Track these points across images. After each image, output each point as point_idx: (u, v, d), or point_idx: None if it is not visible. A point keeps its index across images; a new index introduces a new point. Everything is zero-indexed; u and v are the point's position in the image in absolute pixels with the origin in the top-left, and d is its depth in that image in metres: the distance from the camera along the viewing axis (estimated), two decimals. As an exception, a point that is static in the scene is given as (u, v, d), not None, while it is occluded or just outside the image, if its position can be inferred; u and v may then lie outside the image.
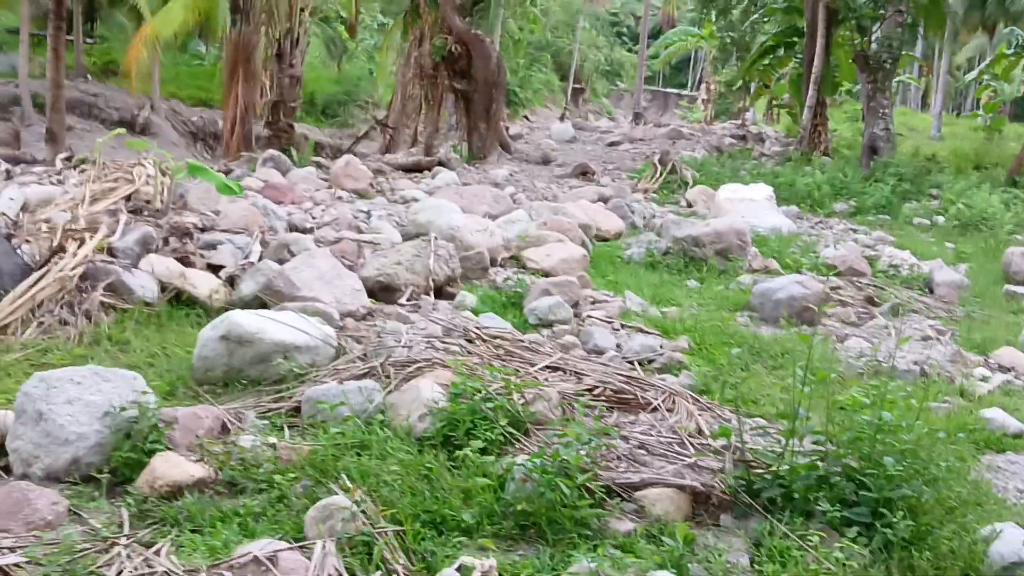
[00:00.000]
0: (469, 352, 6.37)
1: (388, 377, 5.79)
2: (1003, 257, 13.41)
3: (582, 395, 5.73)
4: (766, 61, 28.12)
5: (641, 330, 8.17)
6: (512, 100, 49.26)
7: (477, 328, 7.05)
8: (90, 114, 24.42)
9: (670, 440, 5.25)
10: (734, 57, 31.99)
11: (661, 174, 20.41)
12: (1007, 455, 6.30)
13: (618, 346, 7.56)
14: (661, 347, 7.67)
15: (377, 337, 6.84)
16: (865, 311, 10.20)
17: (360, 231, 10.74)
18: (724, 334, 8.12)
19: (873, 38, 22.07)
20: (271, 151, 15.23)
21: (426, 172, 17.91)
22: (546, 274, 10.14)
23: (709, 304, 9.93)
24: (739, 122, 33.00)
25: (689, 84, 72.09)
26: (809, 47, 24.89)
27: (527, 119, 39.16)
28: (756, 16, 28.66)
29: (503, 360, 6.18)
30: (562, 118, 47.00)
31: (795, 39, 26.98)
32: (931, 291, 11.85)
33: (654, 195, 19.12)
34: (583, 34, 59.07)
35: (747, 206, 15.97)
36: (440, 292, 8.72)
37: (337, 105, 37.32)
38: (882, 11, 21.30)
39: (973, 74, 43.48)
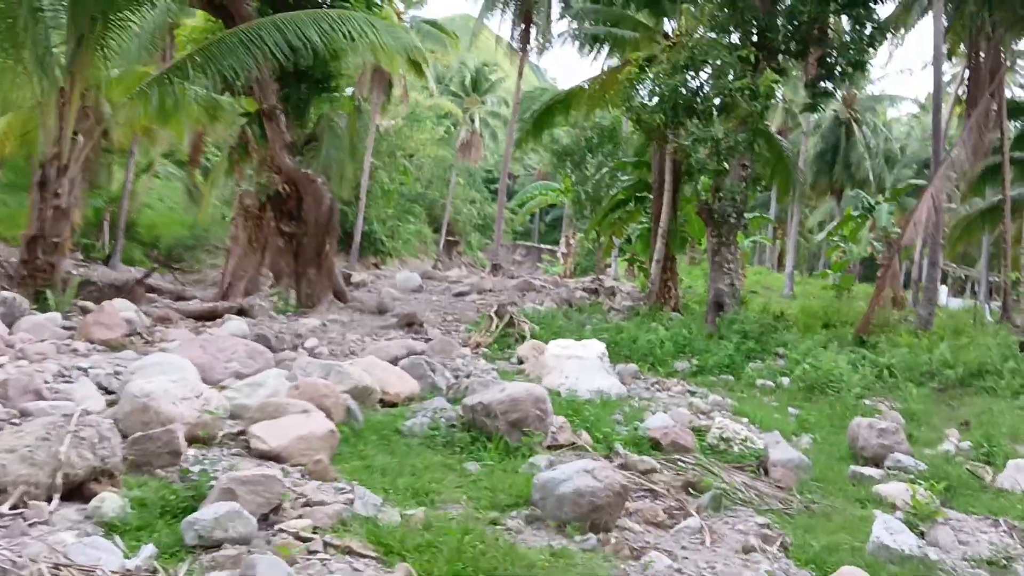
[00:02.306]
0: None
1: None
2: (849, 429, 11.41)
3: None
4: (617, 215, 26.80)
5: (351, 551, 5.56)
6: (379, 249, 47.56)
7: (55, 568, 4.35)
8: None
9: None
10: (588, 211, 30.73)
11: (497, 327, 18.21)
12: None
13: (295, 585, 4.94)
14: (364, 584, 5.09)
15: None
16: (679, 506, 7.82)
17: (41, 397, 7.93)
18: (468, 555, 5.57)
19: (718, 193, 20.77)
20: (4, 294, 12.36)
21: (219, 320, 15.22)
22: (275, 458, 7.52)
23: (481, 499, 7.42)
24: (593, 277, 31.48)
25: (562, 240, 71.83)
26: (657, 201, 23.59)
27: (376, 267, 36.95)
28: (607, 170, 27.45)
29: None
30: (434, 267, 45.21)
31: (645, 193, 25.76)
32: (766, 472, 9.64)
33: (486, 350, 16.83)
34: (457, 188, 58.21)
35: (575, 364, 13.76)
36: (81, 490, 5.96)
37: (184, 250, 34.53)
38: (724, 165, 20.07)
39: (822, 235, 43.66)
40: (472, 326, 19.39)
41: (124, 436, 7.05)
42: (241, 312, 16.27)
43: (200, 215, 28.23)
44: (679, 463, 9.38)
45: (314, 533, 5.78)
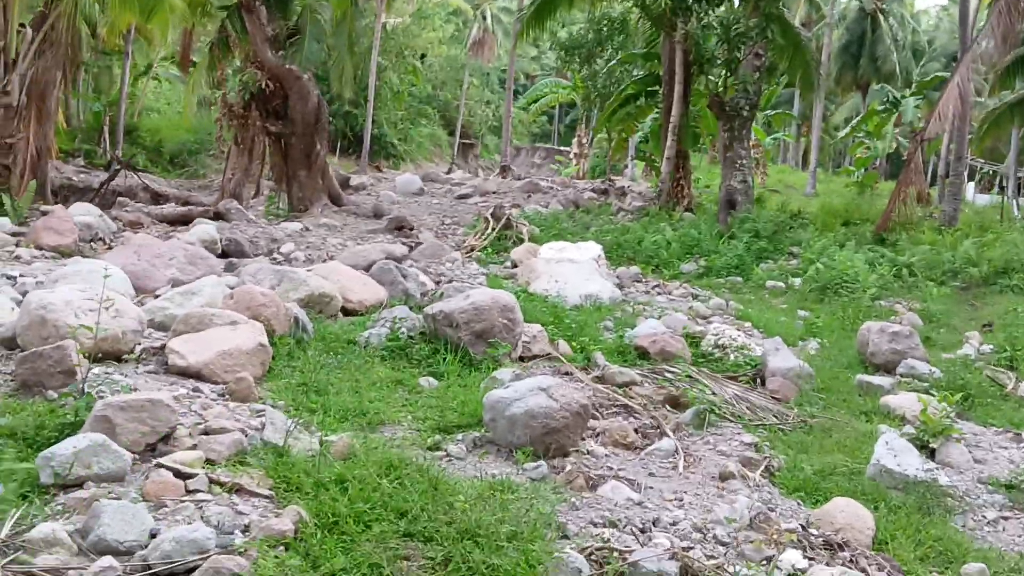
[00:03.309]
0: None
1: None
2: (858, 334, 10.33)
3: None
4: (627, 111, 25.26)
5: (240, 489, 4.63)
6: (390, 152, 46.13)
7: None
8: None
9: None
10: (598, 108, 29.11)
11: (493, 230, 17.12)
12: None
13: (153, 534, 4.01)
14: (244, 528, 4.17)
15: None
16: (654, 424, 6.84)
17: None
18: (379, 493, 4.62)
19: (730, 82, 19.27)
20: (-56, 198, 11.43)
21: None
22: (196, 375, 6.59)
23: (427, 420, 6.47)
24: (605, 177, 30.03)
25: (581, 141, 69.82)
26: (668, 95, 22.05)
27: (378, 169, 35.66)
28: (614, 63, 25.78)
29: None
30: (449, 171, 43.89)
31: (656, 87, 24.16)
32: (763, 383, 8.64)
33: (479, 254, 15.80)
34: (471, 89, 56.27)
35: (566, 269, 12.72)
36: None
37: (187, 154, 33.35)
38: (736, 54, 18.52)
39: (845, 131, 41.74)
40: (469, 229, 18.33)
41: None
42: (217, 216, 15.28)
43: (183, 117, 26.97)
44: (664, 374, 8.39)
45: (205, 467, 4.85)
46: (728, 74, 19.47)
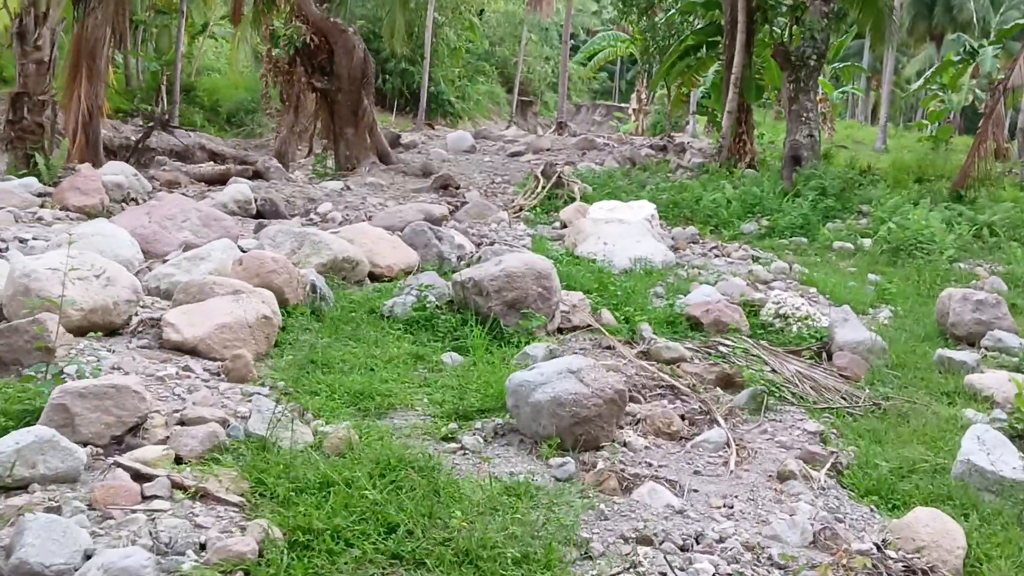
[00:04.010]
0: None
1: None
2: (938, 302, 9.24)
3: None
4: (686, 63, 23.93)
5: (205, 495, 3.91)
6: (448, 110, 45.21)
7: None
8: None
9: None
10: (657, 62, 27.75)
11: (543, 188, 16.21)
12: None
13: (88, 555, 3.31)
14: (200, 547, 3.45)
15: None
16: (703, 409, 5.96)
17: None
18: (365, 502, 3.86)
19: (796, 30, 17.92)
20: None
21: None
22: (191, 351, 5.91)
23: (445, 403, 5.70)
24: (663, 134, 28.73)
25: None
26: (729, 46, 20.72)
27: (431, 127, 34.80)
28: (673, 12, 24.38)
29: None
30: (508, 127, 42.90)
31: (718, 38, 22.78)
32: (830, 357, 7.69)
33: (528, 214, 14.93)
34: (530, 46, 54.87)
35: (615, 229, 11.79)
36: None
37: (244, 113, 32.84)
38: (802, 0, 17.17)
39: (918, 83, 39.53)
40: (520, 188, 17.45)
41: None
42: (256, 175, 14.65)
43: (229, 73, 26.38)
44: (718, 348, 7.49)
45: (172, 467, 4.15)
46: (794, 22, 18.08)
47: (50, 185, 12.05)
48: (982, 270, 12.46)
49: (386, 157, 20.18)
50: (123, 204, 11.49)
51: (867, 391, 6.89)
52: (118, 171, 12.03)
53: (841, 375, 7.31)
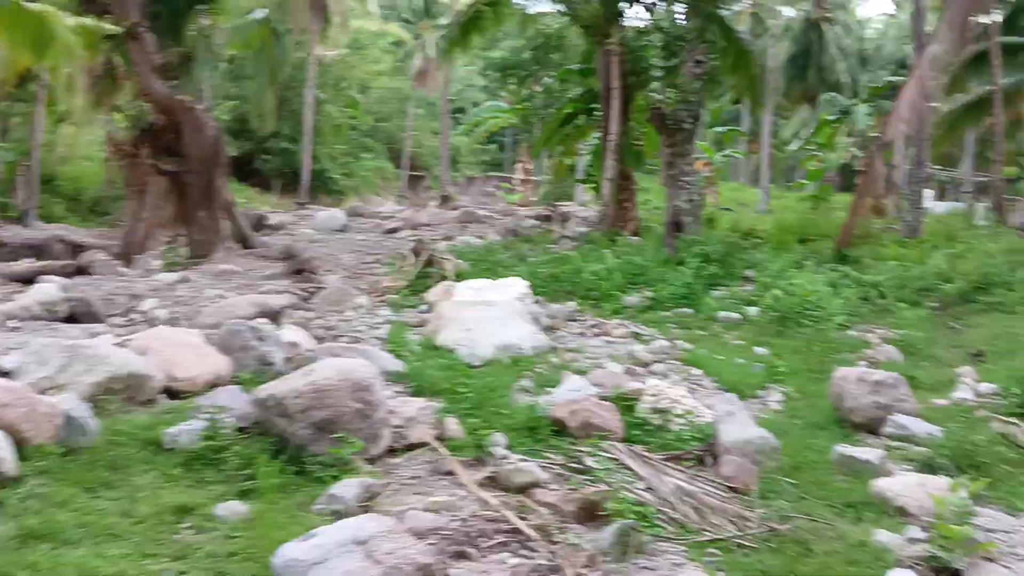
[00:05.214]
0: None
1: None
2: (831, 383, 8.11)
3: None
4: (566, 131, 23.14)
5: None
6: (333, 188, 43.66)
7: None
8: None
9: None
10: (538, 130, 27.01)
11: (414, 267, 14.82)
12: None
13: None
14: None
15: None
16: (551, 563, 4.53)
17: None
18: None
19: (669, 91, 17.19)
20: None
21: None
22: None
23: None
24: (549, 203, 27.86)
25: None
26: (605, 112, 19.94)
27: (302, 206, 33.32)
28: (550, 82, 23.67)
29: None
30: (393, 204, 41.63)
31: (595, 105, 22.06)
32: (715, 459, 6.41)
33: (395, 296, 13.47)
34: (418, 120, 54.08)
35: (480, 313, 10.42)
36: None
37: (110, 202, 30.70)
38: (675, 60, 16.47)
39: (796, 144, 40.04)
40: (391, 267, 16.01)
41: None
42: (80, 271, 12.86)
43: (66, 161, 24.45)
44: (583, 462, 6.11)
45: None
46: (668, 85, 17.39)
47: None
48: (874, 337, 11.54)
49: (247, 241, 18.53)
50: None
51: (760, 510, 5.59)
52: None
53: (728, 486, 6.02)
